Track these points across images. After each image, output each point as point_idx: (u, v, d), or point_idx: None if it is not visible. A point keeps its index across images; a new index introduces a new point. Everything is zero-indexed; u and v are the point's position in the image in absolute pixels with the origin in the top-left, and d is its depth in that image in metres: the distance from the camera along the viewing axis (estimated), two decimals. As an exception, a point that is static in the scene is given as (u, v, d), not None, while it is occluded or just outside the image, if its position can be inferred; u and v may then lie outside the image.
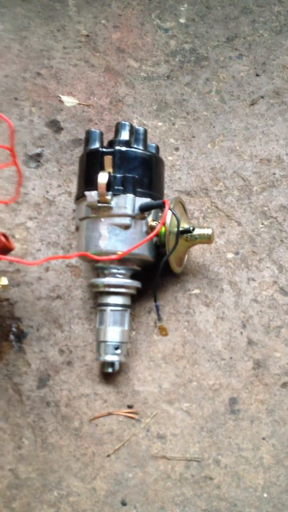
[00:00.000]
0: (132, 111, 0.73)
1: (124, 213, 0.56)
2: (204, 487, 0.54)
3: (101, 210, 0.56)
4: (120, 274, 0.58)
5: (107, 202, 0.55)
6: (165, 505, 0.54)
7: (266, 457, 0.56)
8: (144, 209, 0.56)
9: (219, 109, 0.72)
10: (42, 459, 0.56)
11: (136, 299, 0.61)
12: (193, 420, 0.57)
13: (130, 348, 0.60)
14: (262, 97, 0.72)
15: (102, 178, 0.55)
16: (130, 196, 0.56)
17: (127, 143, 0.59)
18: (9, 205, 0.67)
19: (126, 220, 0.56)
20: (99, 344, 0.57)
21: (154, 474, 0.55)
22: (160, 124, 0.72)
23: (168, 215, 0.56)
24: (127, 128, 0.60)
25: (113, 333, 0.57)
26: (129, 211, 0.56)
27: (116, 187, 0.56)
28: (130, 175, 0.56)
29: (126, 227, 0.56)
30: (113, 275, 0.58)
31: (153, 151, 0.61)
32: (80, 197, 0.59)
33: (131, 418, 0.57)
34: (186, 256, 0.63)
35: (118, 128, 0.61)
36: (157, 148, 0.62)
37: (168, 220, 0.56)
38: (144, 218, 0.57)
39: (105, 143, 0.62)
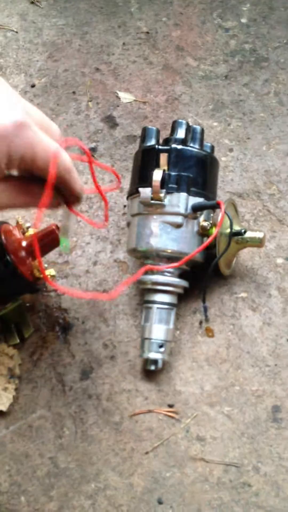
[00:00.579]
0: (187, 110, 0.72)
1: (177, 212, 0.55)
2: (242, 493, 0.54)
3: (153, 207, 0.56)
4: (168, 272, 0.58)
5: (160, 199, 0.55)
6: (201, 508, 0.53)
7: (307, 468, 0.55)
8: (197, 209, 0.56)
9: (276, 111, 0.71)
10: (81, 450, 0.56)
11: (182, 298, 0.61)
12: (234, 424, 0.56)
13: (174, 347, 0.60)
14: None
15: (157, 175, 0.55)
16: (183, 195, 0.56)
17: (183, 142, 0.59)
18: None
19: (178, 219, 0.56)
20: (144, 341, 0.57)
21: (192, 476, 0.55)
22: (215, 124, 0.71)
23: (220, 217, 0.56)
24: (184, 126, 0.60)
25: (158, 331, 0.57)
26: (181, 210, 0.55)
27: (170, 185, 0.56)
28: (185, 173, 0.56)
29: (178, 225, 0.56)
30: (162, 273, 0.58)
31: (209, 151, 0.61)
32: (133, 193, 0.59)
33: (171, 417, 0.57)
34: (235, 258, 0.62)
35: (174, 126, 0.61)
36: (213, 148, 0.62)
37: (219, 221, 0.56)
38: (196, 217, 0.57)
39: (160, 141, 0.62)
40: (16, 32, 0.80)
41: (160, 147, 0.57)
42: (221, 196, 0.67)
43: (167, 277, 0.57)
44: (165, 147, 0.57)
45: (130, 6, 0.80)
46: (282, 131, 0.70)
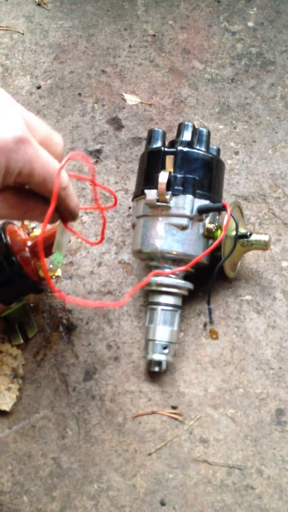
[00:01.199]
0: (193, 113, 0.73)
1: (182, 214, 0.56)
2: (245, 496, 0.54)
3: (159, 209, 0.56)
4: (173, 274, 0.58)
5: (166, 201, 0.55)
6: (204, 510, 0.53)
7: (310, 472, 0.54)
8: (203, 211, 0.56)
9: (283, 114, 0.71)
10: (84, 451, 0.56)
11: (187, 300, 0.61)
12: (237, 427, 0.56)
13: (178, 349, 0.60)
14: None
15: (163, 177, 0.55)
16: (189, 197, 0.56)
17: (189, 144, 0.59)
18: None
19: (184, 221, 0.56)
20: (148, 343, 0.57)
21: (195, 478, 0.55)
22: (221, 127, 0.71)
23: (226, 219, 0.56)
24: (190, 129, 0.60)
25: (162, 332, 0.57)
26: (187, 212, 0.55)
27: (176, 187, 0.56)
28: (191, 176, 0.56)
29: (183, 227, 0.56)
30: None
31: (215, 153, 0.61)
32: (138, 195, 0.59)
33: (175, 419, 0.57)
34: (240, 261, 0.62)
35: (180, 129, 0.61)
36: (218, 150, 0.62)
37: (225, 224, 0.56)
38: (201, 220, 0.57)
39: (166, 143, 0.62)
40: (22, 34, 0.80)
41: (166, 149, 0.58)
42: (227, 198, 0.67)
43: (172, 279, 0.57)
44: (171, 149, 0.57)
45: (137, 9, 0.80)
46: None
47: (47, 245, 0.56)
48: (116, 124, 0.73)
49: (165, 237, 0.56)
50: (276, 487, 0.54)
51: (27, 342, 0.61)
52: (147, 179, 0.58)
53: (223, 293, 0.62)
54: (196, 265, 0.58)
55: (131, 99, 0.74)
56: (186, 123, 0.60)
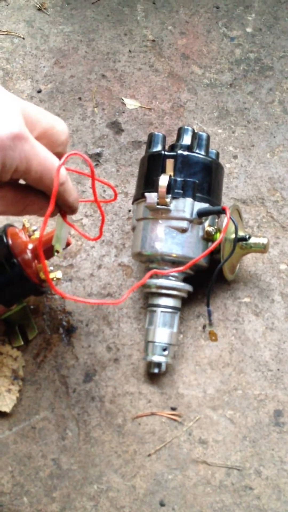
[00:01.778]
0: (193, 117, 0.73)
1: (182, 217, 0.56)
2: (244, 496, 0.54)
3: (159, 212, 0.57)
4: (172, 276, 0.58)
5: (166, 204, 0.56)
6: (203, 510, 0.54)
7: (308, 472, 0.55)
8: (202, 214, 0.57)
9: (281, 119, 0.72)
10: (84, 452, 0.57)
11: (186, 303, 0.62)
12: (236, 428, 0.57)
13: (177, 351, 0.60)
14: None
15: (163, 180, 0.56)
16: (189, 200, 0.56)
17: (189, 148, 0.60)
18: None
19: (184, 224, 0.56)
20: (147, 344, 0.58)
21: (194, 478, 0.55)
22: (220, 131, 0.72)
23: (225, 222, 0.56)
24: (190, 133, 0.61)
25: (162, 334, 0.57)
26: (187, 215, 0.56)
27: (176, 191, 0.57)
28: (191, 179, 0.57)
29: (183, 230, 0.57)
30: (166, 277, 0.58)
31: (214, 157, 0.62)
32: (139, 198, 0.59)
33: (174, 420, 0.58)
34: (239, 264, 0.63)
35: (180, 133, 0.62)
36: (218, 154, 0.63)
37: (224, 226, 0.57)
38: (201, 223, 0.57)
39: (166, 147, 0.63)
40: (23, 38, 0.81)
41: (166, 153, 0.58)
42: (226, 202, 0.67)
43: (171, 281, 0.58)
44: (171, 153, 0.58)
45: (137, 15, 0.81)
46: (286, 139, 0.71)
47: (48, 248, 0.56)
48: (116, 128, 0.74)
49: (165, 239, 0.57)
50: (274, 488, 0.54)
51: (27, 344, 0.62)
52: (147, 182, 0.59)
53: (222, 296, 0.63)
54: (195, 267, 0.59)
55: (131, 103, 0.75)
56: (186, 127, 0.61)
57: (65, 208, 0.47)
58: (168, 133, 0.72)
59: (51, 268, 0.65)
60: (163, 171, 0.57)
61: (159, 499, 0.55)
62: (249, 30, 0.78)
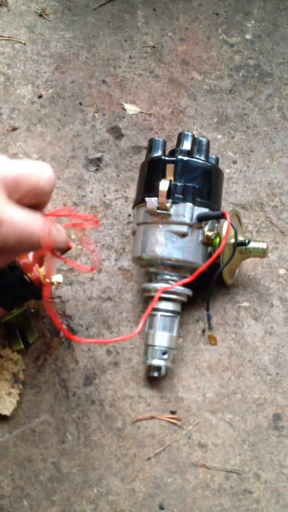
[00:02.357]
0: (192, 123, 0.74)
1: (182, 221, 0.57)
2: (243, 500, 0.54)
3: (159, 216, 0.57)
4: (172, 280, 0.59)
5: (166, 209, 0.56)
6: (202, 514, 0.54)
7: (307, 476, 0.55)
8: (202, 219, 0.57)
9: (280, 125, 0.72)
10: (84, 455, 0.57)
11: (186, 307, 0.62)
12: (235, 432, 0.57)
13: (177, 355, 0.61)
14: None
15: (163, 185, 0.56)
16: (189, 205, 0.57)
17: (189, 153, 0.60)
18: (67, 206, 0.69)
19: (184, 228, 0.57)
20: (147, 348, 0.58)
21: (193, 482, 0.55)
22: (219, 136, 0.73)
23: (225, 227, 0.57)
24: (190, 138, 0.62)
25: (162, 338, 0.58)
26: (187, 219, 0.57)
27: (176, 195, 0.57)
28: (191, 184, 0.57)
29: (183, 235, 0.57)
30: (166, 281, 0.59)
31: (214, 162, 0.62)
32: (139, 202, 0.60)
33: (174, 424, 0.58)
34: (238, 268, 0.63)
35: (180, 138, 0.62)
36: (217, 159, 0.63)
37: (224, 232, 0.57)
38: (201, 227, 0.58)
39: (166, 152, 0.63)
40: (24, 44, 0.82)
41: (166, 158, 0.59)
42: (225, 207, 0.68)
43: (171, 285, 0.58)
44: (172, 158, 0.58)
45: (137, 21, 0.81)
46: (285, 145, 0.71)
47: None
48: (116, 133, 0.74)
49: (165, 244, 0.57)
50: (273, 491, 0.54)
51: (28, 347, 0.62)
52: (147, 187, 0.59)
53: (221, 300, 0.63)
54: (195, 271, 0.59)
55: (131, 109, 0.76)
56: (186, 132, 0.62)
57: (58, 250, 0.47)
58: (168, 139, 0.73)
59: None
60: (163, 176, 0.58)
61: (159, 502, 0.55)
62: (248, 36, 0.79)
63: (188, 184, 0.57)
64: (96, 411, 0.59)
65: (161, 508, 0.54)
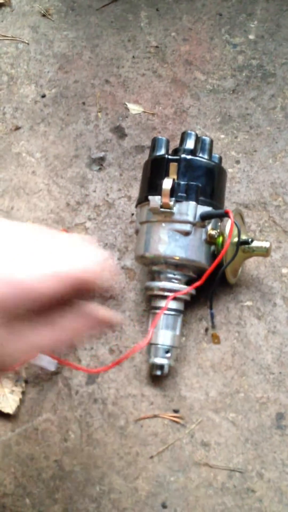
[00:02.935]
0: (195, 122, 0.74)
1: (185, 220, 0.57)
2: (246, 499, 0.54)
3: (162, 215, 0.57)
4: (175, 279, 0.59)
5: (169, 207, 0.56)
6: (205, 513, 0.54)
7: (310, 475, 0.55)
8: (205, 218, 0.57)
9: (283, 125, 0.73)
10: (86, 453, 0.57)
11: (189, 306, 0.62)
12: (238, 431, 0.57)
13: (180, 353, 0.61)
14: None
15: (167, 184, 0.56)
16: (192, 203, 0.57)
17: (192, 152, 0.60)
18: (70, 205, 0.69)
19: (187, 227, 0.57)
20: (150, 347, 0.58)
21: (196, 481, 0.55)
22: (222, 136, 0.73)
23: (229, 225, 0.57)
24: (193, 137, 0.62)
25: (165, 336, 0.58)
26: (190, 218, 0.57)
27: (179, 194, 0.57)
28: (194, 183, 0.57)
29: (186, 233, 0.57)
30: (169, 279, 0.59)
31: (217, 161, 0.62)
32: (142, 201, 0.60)
33: (176, 422, 0.58)
34: (241, 267, 0.63)
35: (184, 137, 0.62)
36: (221, 159, 0.63)
37: (227, 231, 0.57)
38: (204, 226, 0.58)
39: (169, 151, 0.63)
40: (28, 44, 0.82)
41: (170, 156, 0.59)
42: (228, 206, 0.68)
43: (174, 283, 0.58)
44: (175, 157, 0.59)
45: (140, 21, 0.82)
46: None
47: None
48: (120, 132, 0.74)
49: (168, 242, 0.57)
50: (276, 490, 0.54)
51: (31, 345, 0.62)
52: (151, 185, 0.59)
53: (224, 299, 0.63)
54: (198, 270, 0.59)
55: (134, 108, 0.76)
56: (189, 131, 0.62)
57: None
58: (171, 138, 0.73)
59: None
60: (167, 174, 0.58)
61: (161, 501, 0.55)
62: (251, 37, 0.79)
63: (192, 182, 0.57)
64: (98, 410, 0.59)
65: (164, 506, 0.54)
